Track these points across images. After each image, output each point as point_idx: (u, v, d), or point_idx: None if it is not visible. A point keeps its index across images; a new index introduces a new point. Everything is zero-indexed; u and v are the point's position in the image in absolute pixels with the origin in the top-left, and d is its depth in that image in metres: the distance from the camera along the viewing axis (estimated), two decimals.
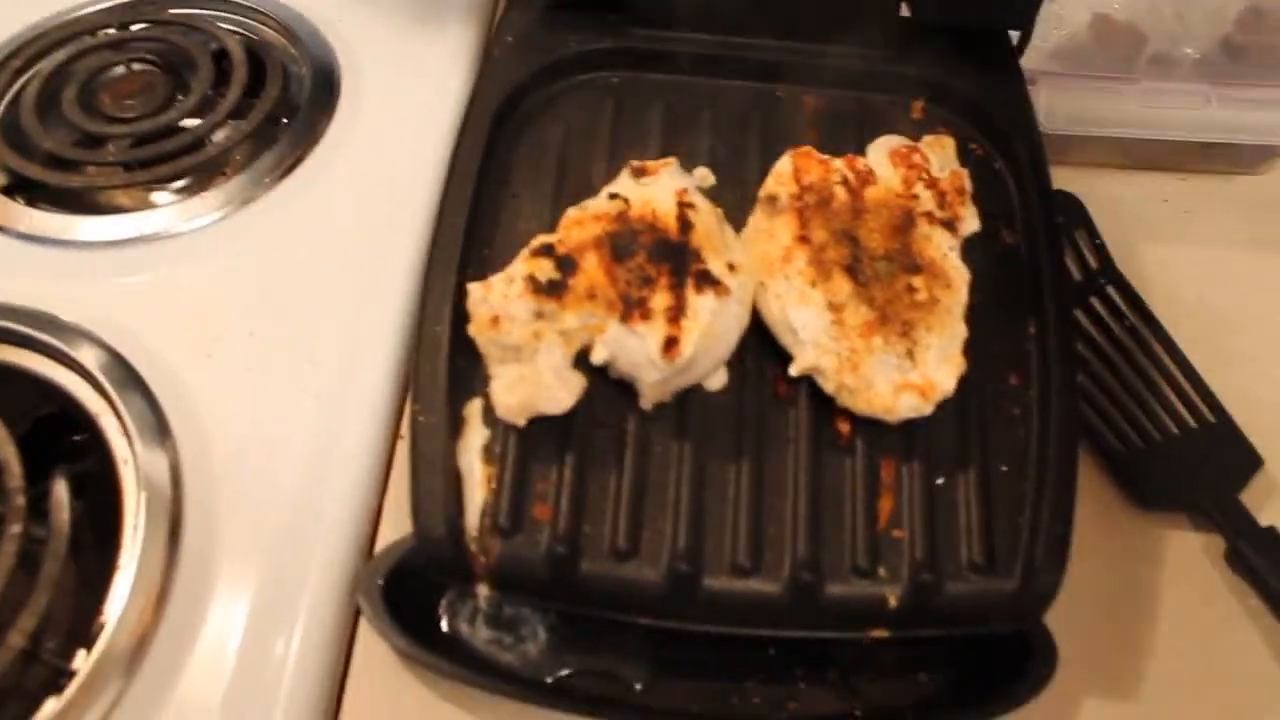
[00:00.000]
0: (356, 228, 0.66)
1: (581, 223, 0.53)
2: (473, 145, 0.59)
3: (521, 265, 0.52)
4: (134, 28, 0.78)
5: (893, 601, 0.51)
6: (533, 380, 0.51)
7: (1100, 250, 0.68)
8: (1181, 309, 0.67)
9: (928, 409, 0.53)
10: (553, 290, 0.51)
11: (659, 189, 0.54)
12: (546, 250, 0.52)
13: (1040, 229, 0.58)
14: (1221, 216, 0.72)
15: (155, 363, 0.60)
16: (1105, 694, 0.55)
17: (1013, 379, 0.56)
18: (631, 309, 0.51)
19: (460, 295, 0.53)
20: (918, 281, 0.53)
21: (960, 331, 0.54)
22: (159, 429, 0.57)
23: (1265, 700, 0.55)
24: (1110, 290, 0.67)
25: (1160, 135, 0.69)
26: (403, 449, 0.59)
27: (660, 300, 0.51)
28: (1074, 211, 0.69)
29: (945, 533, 0.52)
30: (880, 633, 0.51)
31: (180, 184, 0.69)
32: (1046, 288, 0.57)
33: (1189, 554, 0.59)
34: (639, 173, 0.55)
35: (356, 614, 0.55)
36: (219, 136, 0.70)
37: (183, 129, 0.69)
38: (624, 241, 0.52)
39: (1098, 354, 0.64)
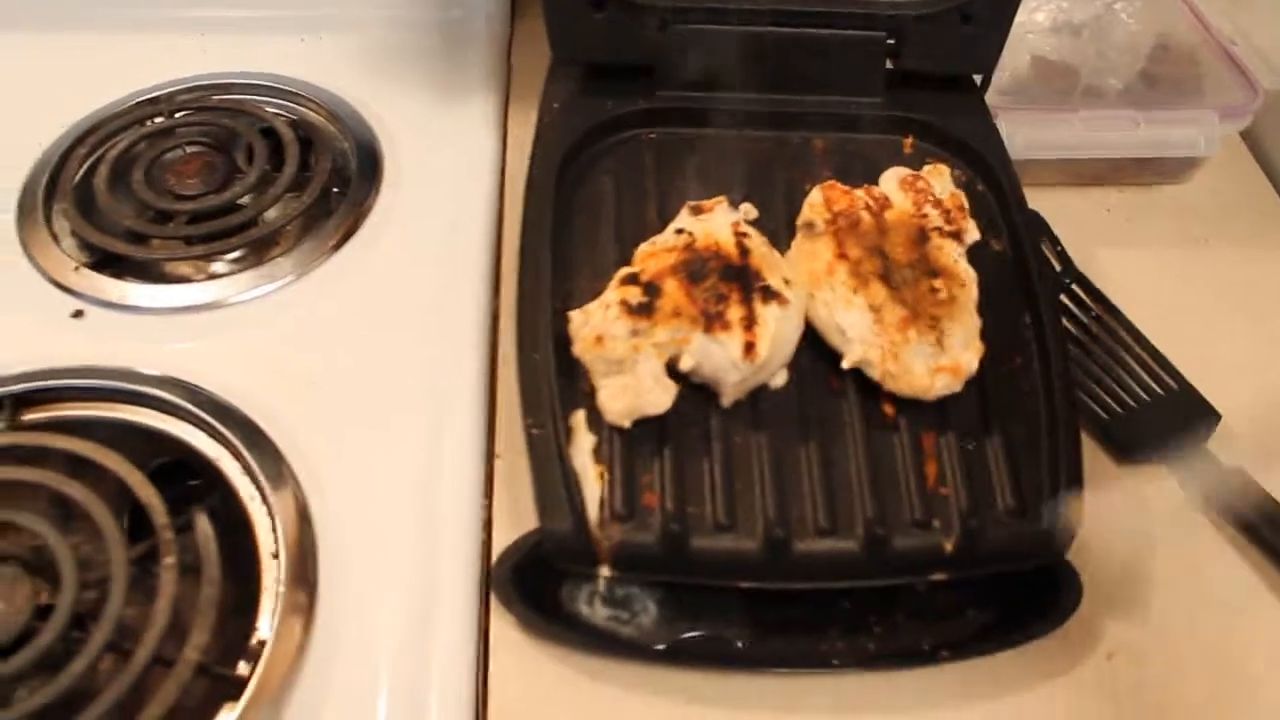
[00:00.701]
0: (411, 283, 0.73)
1: (655, 255, 0.63)
2: (541, 198, 0.68)
3: (613, 293, 0.61)
4: (179, 114, 0.84)
5: (948, 547, 0.61)
6: (635, 387, 0.60)
7: (1062, 255, 0.80)
8: (1135, 299, 0.79)
9: (958, 386, 0.63)
10: (643, 310, 0.60)
11: (715, 223, 0.64)
12: (632, 279, 0.62)
13: (1023, 236, 0.70)
14: (1157, 221, 0.85)
15: (261, 411, 0.67)
16: (1126, 617, 0.65)
17: (1017, 360, 0.67)
18: (712, 321, 0.60)
19: (557, 324, 0.63)
20: (939, 283, 0.64)
21: (976, 322, 0.65)
22: (278, 467, 0.64)
23: (1245, 603, 0.66)
24: (1075, 288, 0.78)
25: (1101, 154, 0.82)
26: (500, 467, 0.67)
27: (734, 313, 0.61)
28: (1037, 224, 0.81)
29: (982, 488, 0.62)
30: (940, 575, 0.61)
31: (232, 255, 0.76)
32: (1035, 283, 0.68)
33: (1170, 498, 0.70)
34: (696, 210, 0.65)
35: (487, 611, 0.62)
36: (273, 213, 0.77)
37: (240, 206, 0.77)
38: (696, 267, 0.62)
39: (1073, 340, 0.76)
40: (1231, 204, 0.87)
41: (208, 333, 0.72)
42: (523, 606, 0.60)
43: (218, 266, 0.75)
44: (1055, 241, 0.80)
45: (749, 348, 0.60)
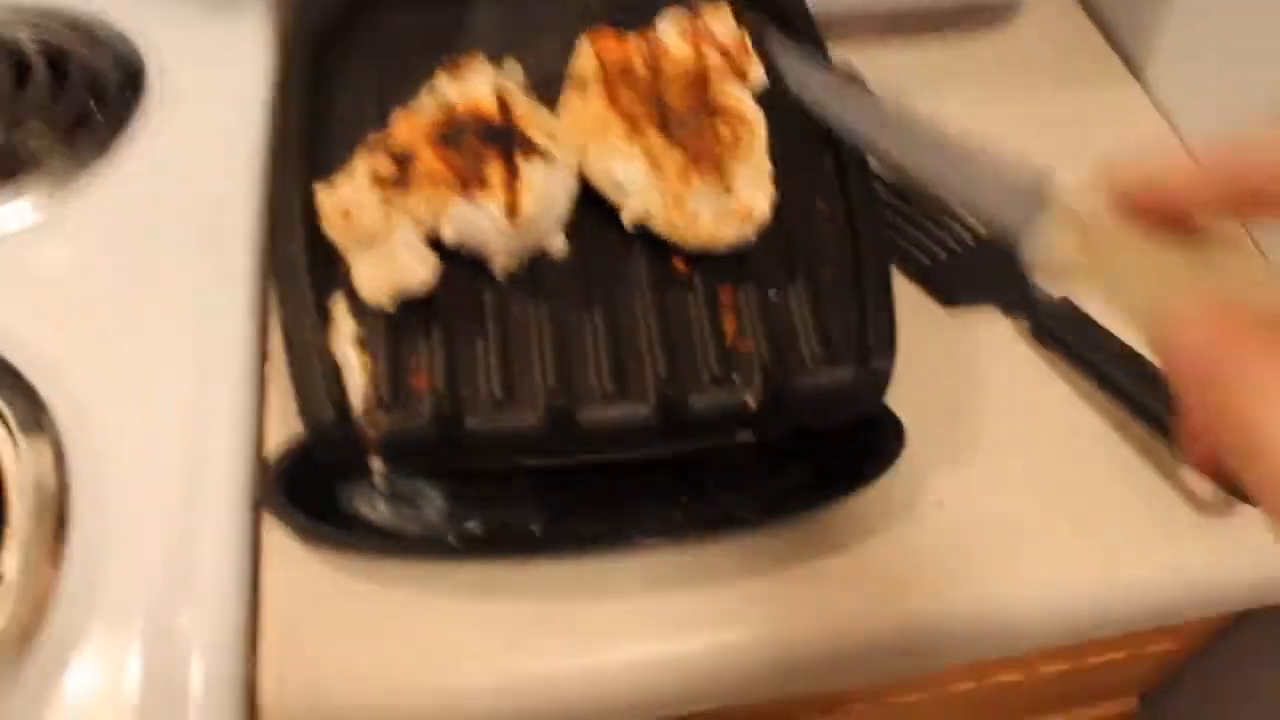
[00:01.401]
0: (179, 200, 0.67)
1: (410, 119, 0.57)
2: (297, 81, 0.62)
3: (360, 163, 0.56)
4: None
5: (751, 403, 0.56)
6: (390, 259, 0.55)
7: None
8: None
9: (750, 233, 0.58)
10: (395, 181, 0.55)
11: (474, 84, 0.59)
12: (381, 145, 0.56)
13: None
14: (980, 70, 0.81)
15: (17, 345, 0.61)
16: (949, 463, 0.61)
17: (820, 204, 0.62)
18: (470, 184, 0.55)
19: (305, 205, 0.57)
20: (720, 124, 0.59)
21: (765, 164, 0.60)
22: (30, 403, 0.58)
23: (1084, 443, 0.63)
24: None
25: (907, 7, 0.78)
26: (271, 370, 0.62)
27: (495, 173, 0.55)
28: (848, 72, 0.76)
29: (786, 337, 0.58)
30: (745, 435, 0.57)
31: None
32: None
33: (1002, 338, 0.67)
34: (452, 70, 0.59)
35: (258, 522, 0.57)
36: (24, 137, 0.70)
37: None
38: (453, 130, 0.56)
39: (892, 192, 0.72)
40: (1059, 46, 0.83)
41: None
42: (295, 514, 0.55)
43: None
44: (868, 92, 0.76)
45: (511, 207, 0.54)
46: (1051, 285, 0.66)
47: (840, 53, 0.75)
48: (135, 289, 0.64)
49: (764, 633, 0.56)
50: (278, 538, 0.56)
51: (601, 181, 0.59)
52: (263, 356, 0.62)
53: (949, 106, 0.76)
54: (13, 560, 0.53)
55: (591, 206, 0.60)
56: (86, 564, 0.54)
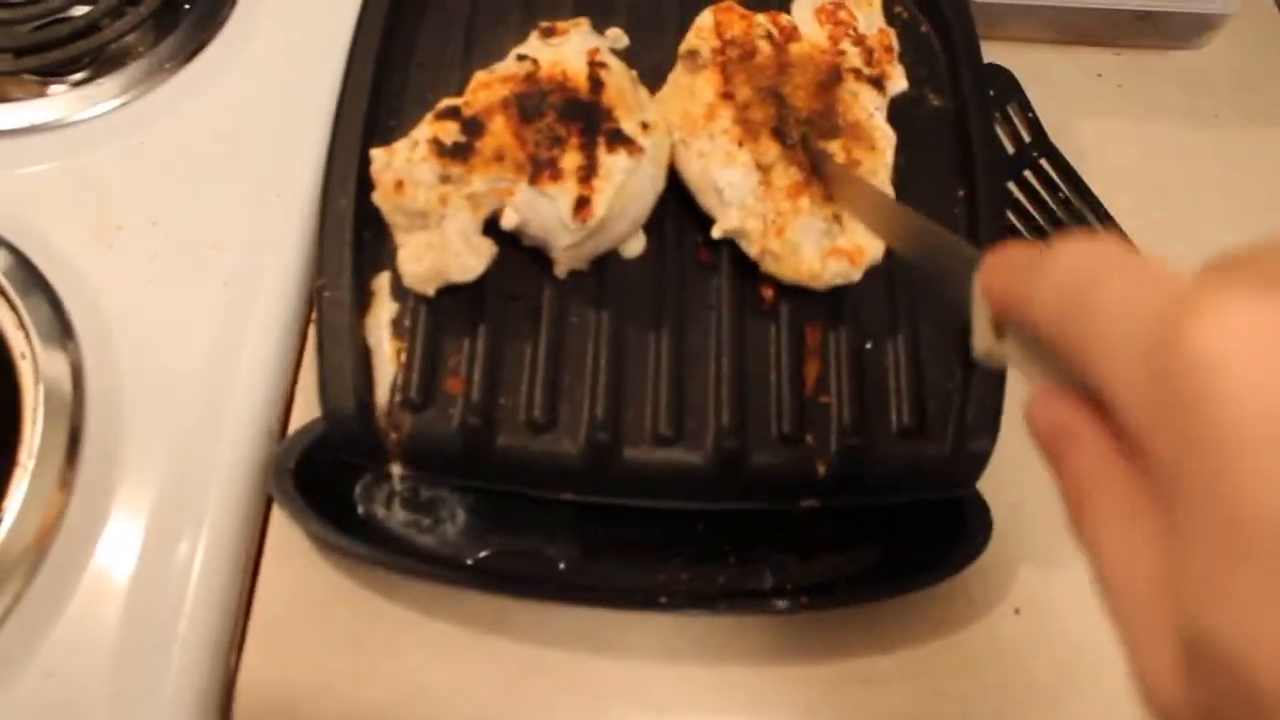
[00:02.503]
0: (262, 112, 0.62)
1: (488, 85, 0.50)
2: (374, 18, 0.56)
3: (426, 128, 0.49)
4: None
5: (821, 470, 0.49)
6: (440, 247, 0.48)
7: (1033, 123, 0.66)
8: (1116, 181, 0.65)
9: (856, 275, 0.51)
10: (458, 153, 0.48)
11: (569, 49, 0.52)
12: (451, 112, 0.49)
13: (969, 92, 0.56)
14: (1156, 91, 0.70)
15: (53, 255, 0.57)
16: (1040, 561, 0.53)
17: None
18: (541, 170, 0.48)
19: (364, 166, 0.51)
20: (834, 147, 0.51)
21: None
22: (58, 323, 0.55)
23: None
24: (1043, 162, 0.65)
25: (1091, 4, 0.67)
26: (313, 337, 0.56)
27: (571, 160, 0.48)
28: (1007, 85, 0.67)
29: (874, 398, 0.50)
30: (811, 503, 0.50)
31: (77, 76, 0.65)
32: (977, 150, 0.55)
33: None
34: (548, 33, 0.52)
35: (269, 503, 0.52)
36: (114, 22, 0.65)
37: (72, 17, 0.65)
38: (532, 102, 0.49)
39: (1031, 226, 0.63)
40: (1251, 75, 0.71)
41: (17, 161, 0.60)
42: (301, 503, 0.50)
43: (51, 87, 0.65)
44: (1026, 106, 0.67)
45: (582, 203, 0.47)
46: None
47: (1000, 52, 0.66)
48: (187, 211, 0.59)
49: None
50: (282, 528, 0.51)
51: (698, 182, 0.51)
52: (306, 321, 0.57)
53: (1111, 126, 0.67)
54: (24, 475, 0.50)
55: (679, 202, 0.53)
56: (94, 486, 0.51)
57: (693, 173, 0.51)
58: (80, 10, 0.66)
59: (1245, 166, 0.67)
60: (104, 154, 0.61)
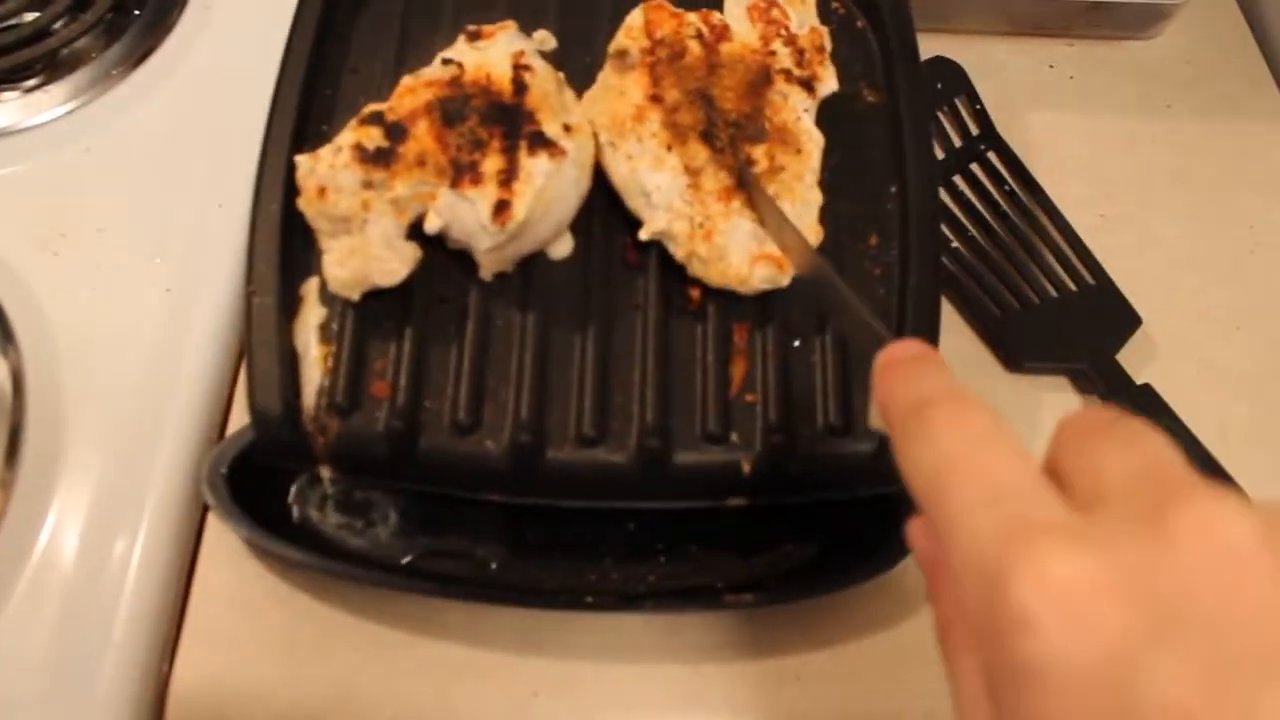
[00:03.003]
0: (209, 118, 0.63)
1: (414, 90, 0.51)
2: (307, 22, 0.56)
3: (349, 134, 0.49)
4: None
5: (746, 468, 0.49)
6: (364, 251, 0.49)
7: (981, 116, 0.66)
8: (1066, 174, 0.65)
9: (784, 281, 0.51)
10: (381, 158, 0.49)
11: (495, 53, 0.52)
12: (375, 118, 0.50)
13: (903, 87, 0.56)
14: (1108, 82, 0.70)
15: None
16: None
17: (872, 239, 0.54)
18: (462, 174, 0.48)
19: (293, 172, 0.51)
20: (758, 152, 0.51)
21: (815, 199, 0.52)
22: (0, 329, 0.55)
23: None
24: (991, 155, 0.65)
25: None
26: None
27: (492, 164, 0.49)
28: (955, 77, 0.67)
29: (801, 396, 0.50)
30: (737, 501, 0.50)
31: (29, 82, 0.66)
32: (908, 145, 0.55)
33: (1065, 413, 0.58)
34: (474, 36, 0.52)
35: (204, 507, 0.53)
36: (64, 28, 0.66)
37: (20, 24, 0.66)
38: (455, 106, 0.50)
39: (976, 220, 0.63)
40: (1204, 65, 0.71)
41: None
42: (235, 507, 0.50)
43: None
44: (974, 98, 0.67)
45: (501, 207, 0.48)
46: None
47: (951, 45, 0.66)
48: (131, 218, 0.60)
49: None
50: (219, 535, 0.52)
51: (625, 185, 0.51)
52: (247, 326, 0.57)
53: (1062, 118, 0.67)
54: None
55: (607, 202, 0.53)
56: (33, 487, 0.51)
57: (620, 175, 0.52)
58: (30, 16, 0.67)
59: (1197, 157, 0.67)
60: (51, 160, 0.61)
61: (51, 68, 0.66)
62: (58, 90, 0.63)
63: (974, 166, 0.64)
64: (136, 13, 0.68)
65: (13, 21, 0.66)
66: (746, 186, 0.50)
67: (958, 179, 0.64)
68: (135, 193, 0.60)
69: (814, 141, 0.52)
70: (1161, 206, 0.64)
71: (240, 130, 0.61)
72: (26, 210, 0.59)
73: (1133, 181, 0.65)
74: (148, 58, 0.66)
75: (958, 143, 0.66)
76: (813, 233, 0.51)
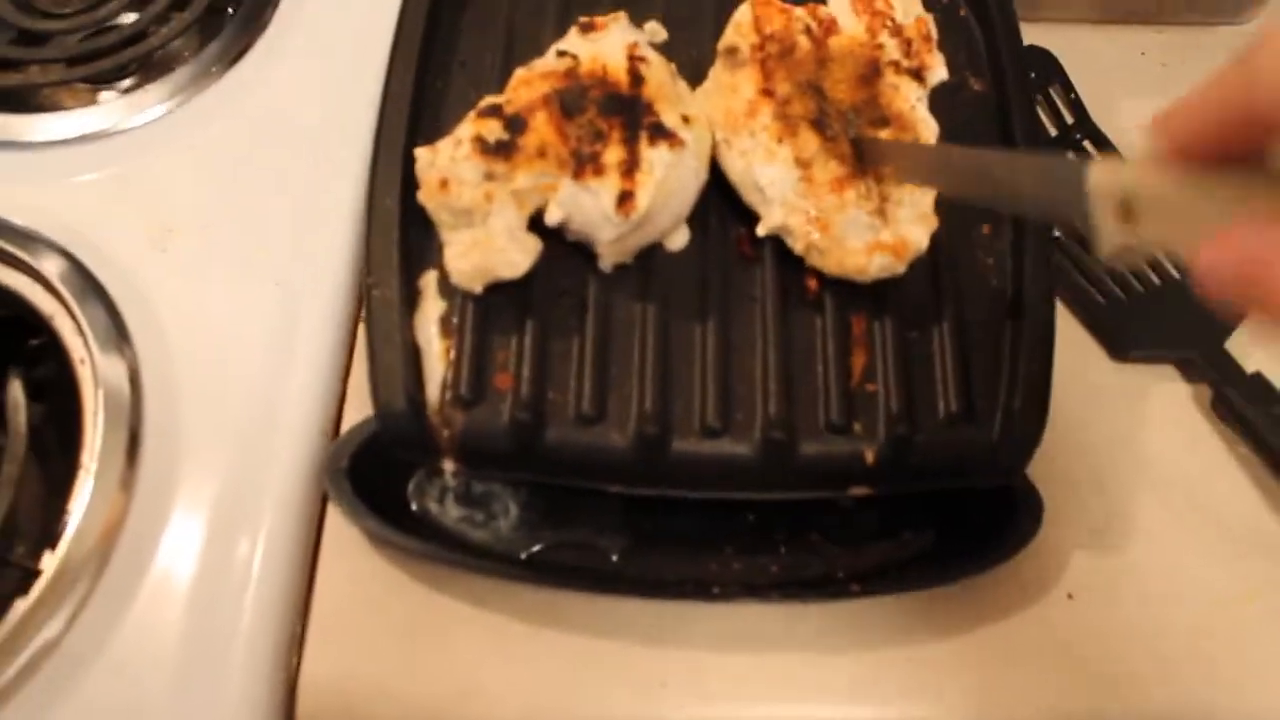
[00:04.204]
0: (307, 113, 0.63)
1: (529, 82, 0.51)
2: (415, 16, 0.56)
3: (469, 126, 0.50)
4: None
5: (870, 458, 0.49)
6: (486, 244, 0.49)
7: (1076, 104, 0.66)
8: None
9: (901, 268, 0.51)
10: (501, 150, 0.49)
11: (608, 44, 0.52)
12: (493, 110, 0.50)
13: (1009, 74, 0.56)
14: (1200, 67, 0.69)
15: (108, 261, 0.58)
16: (1093, 546, 0.53)
17: (984, 228, 0.54)
18: (584, 165, 0.49)
19: (409, 165, 0.51)
20: (886, 135, 0.51)
21: (931, 190, 0.52)
22: (115, 328, 0.56)
23: (1255, 546, 0.54)
24: (1086, 144, 0.64)
25: None
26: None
27: (613, 155, 0.49)
28: (1048, 66, 0.67)
29: (921, 385, 0.51)
30: (860, 490, 0.50)
31: (126, 82, 0.66)
32: (1018, 132, 0.55)
33: (1175, 404, 0.58)
34: (587, 28, 0.53)
35: (324, 501, 0.53)
36: (160, 28, 0.66)
37: (120, 25, 0.66)
38: (573, 97, 0.50)
39: None
40: None
41: (69, 169, 0.62)
42: (356, 500, 0.50)
43: (101, 95, 0.66)
44: (1068, 88, 0.66)
45: (625, 197, 0.48)
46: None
47: (1041, 34, 0.66)
48: (236, 213, 0.60)
49: (838, 714, 0.49)
50: (339, 525, 0.52)
51: (740, 180, 0.52)
52: (355, 320, 0.57)
53: (1155, 105, 0.66)
54: (87, 477, 0.51)
55: (722, 195, 0.53)
56: (155, 487, 0.52)
57: (736, 171, 0.52)
58: (129, 18, 0.67)
59: None
60: (154, 160, 0.62)
61: (147, 68, 0.67)
62: (156, 90, 0.64)
63: (1069, 155, 0.64)
64: (230, 11, 0.68)
65: (112, 23, 0.66)
66: (867, 153, 0.50)
67: None
68: (239, 189, 0.60)
69: (930, 129, 0.52)
70: None
71: (341, 124, 0.62)
72: (133, 209, 0.60)
73: None
74: (243, 55, 0.66)
75: (1053, 132, 0.65)
76: (929, 221, 0.51)
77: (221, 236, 0.59)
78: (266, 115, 0.63)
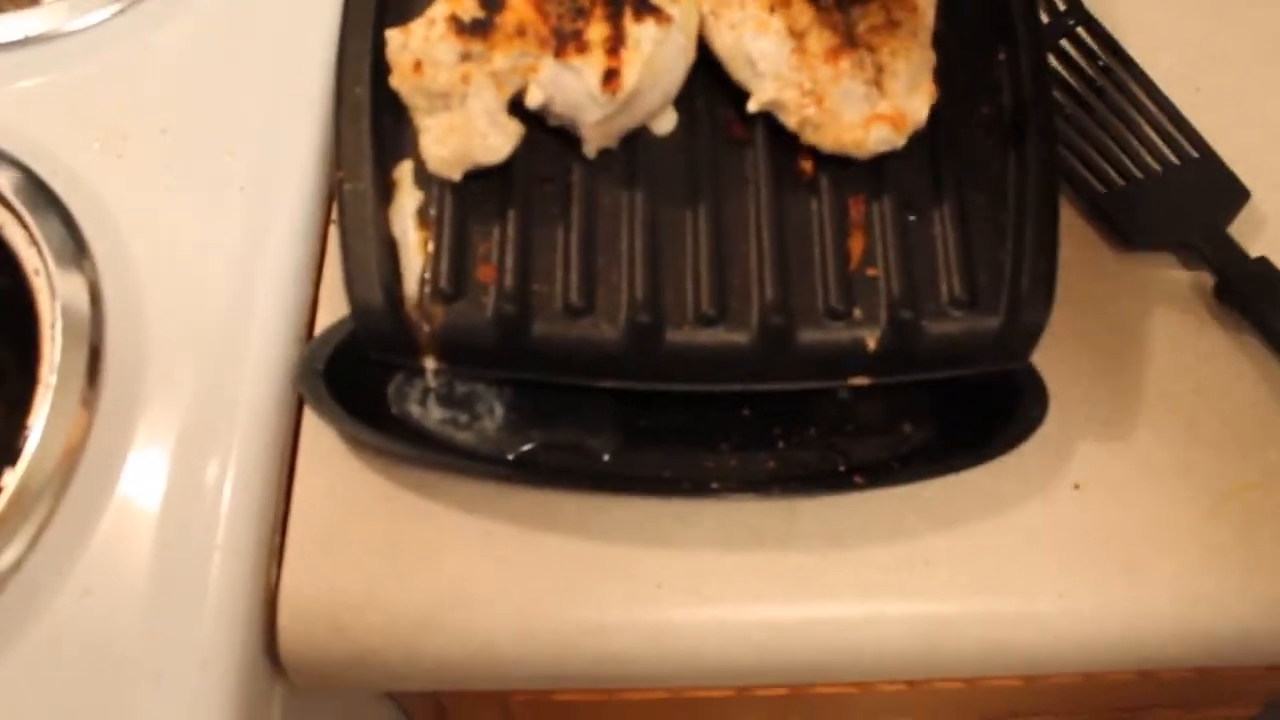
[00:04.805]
0: (270, 6, 0.60)
1: None
2: None
3: (443, 6, 0.47)
4: None
5: (871, 344, 0.47)
6: (464, 127, 0.46)
7: None
8: (1159, 47, 0.62)
9: (900, 141, 0.49)
10: (478, 29, 0.46)
11: None
12: None
13: None
14: None
15: (61, 170, 0.55)
16: (1099, 436, 0.52)
17: (984, 108, 0.52)
18: (566, 43, 0.46)
19: (379, 50, 0.48)
20: (873, 8, 0.49)
21: (929, 57, 0.50)
22: (73, 241, 0.53)
23: (1261, 432, 0.52)
24: (1081, 31, 0.62)
25: None
26: (335, 236, 0.54)
27: (597, 31, 0.46)
28: None
29: (923, 270, 0.49)
30: (861, 380, 0.48)
31: None
32: (1016, 8, 0.52)
33: (1178, 291, 0.56)
34: None
35: (299, 410, 0.51)
36: None
37: None
38: None
39: (1071, 97, 0.60)
40: None
41: (18, 73, 0.58)
42: (334, 403, 0.48)
43: None
44: None
45: (611, 75, 0.45)
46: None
47: None
48: (197, 115, 0.57)
49: (831, 615, 0.48)
50: (316, 432, 0.50)
51: (729, 54, 0.49)
52: (327, 220, 0.55)
53: None
54: (46, 393, 0.48)
55: (708, 75, 0.51)
56: (119, 402, 0.49)
57: (725, 45, 0.49)
58: None
59: None
60: (105, 62, 0.58)
61: None
62: None
63: (1064, 43, 0.62)
64: None
65: None
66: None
67: (1049, 56, 0.61)
68: (198, 89, 0.57)
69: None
70: (1260, 76, 0.62)
71: (306, 12, 0.58)
72: (85, 116, 0.56)
73: (1227, 53, 0.63)
74: None
75: (1045, 19, 0.63)
76: (927, 91, 0.49)
77: (181, 141, 0.56)
78: (223, 8, 0.60)
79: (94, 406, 0.49)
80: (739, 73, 0.49)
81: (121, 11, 0.60)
